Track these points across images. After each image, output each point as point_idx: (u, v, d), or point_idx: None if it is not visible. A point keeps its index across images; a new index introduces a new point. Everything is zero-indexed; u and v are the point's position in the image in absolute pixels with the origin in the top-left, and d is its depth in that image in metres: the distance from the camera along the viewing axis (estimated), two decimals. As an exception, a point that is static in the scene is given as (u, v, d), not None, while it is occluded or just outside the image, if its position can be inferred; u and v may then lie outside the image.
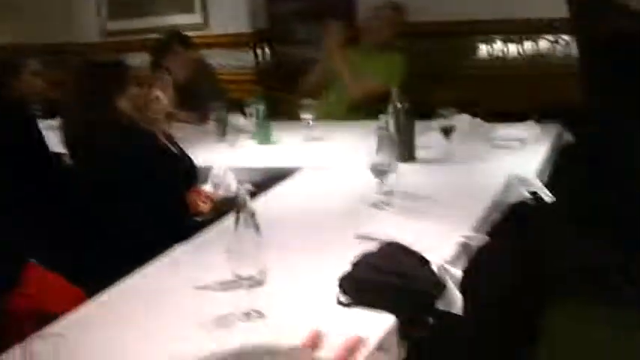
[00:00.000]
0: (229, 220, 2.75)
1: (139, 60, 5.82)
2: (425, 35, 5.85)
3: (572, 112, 4.31)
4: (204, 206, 3.31)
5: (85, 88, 3.42)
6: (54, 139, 3.81)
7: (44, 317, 2.54)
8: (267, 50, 6.66)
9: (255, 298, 2.19)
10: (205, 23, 6.74)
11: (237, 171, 3.55)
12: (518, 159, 3.55)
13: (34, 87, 4.41)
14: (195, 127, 4.74)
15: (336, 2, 6.23)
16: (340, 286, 2.19)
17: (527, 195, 3.23)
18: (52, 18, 7.57)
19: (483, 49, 5.98)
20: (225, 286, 2.33)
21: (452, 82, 5.71)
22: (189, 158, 3.42)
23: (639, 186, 4.06)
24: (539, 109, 4.23)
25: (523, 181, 3.24)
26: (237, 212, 2.48)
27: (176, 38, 5.52)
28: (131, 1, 7.21)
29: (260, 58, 6.63)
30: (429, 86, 5.26)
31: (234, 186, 3.37)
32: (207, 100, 4.88)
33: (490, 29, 5.91)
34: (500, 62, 5.95)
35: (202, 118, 4.80)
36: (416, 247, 2.32)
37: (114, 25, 7.34)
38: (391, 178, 3.02)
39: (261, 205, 3.04)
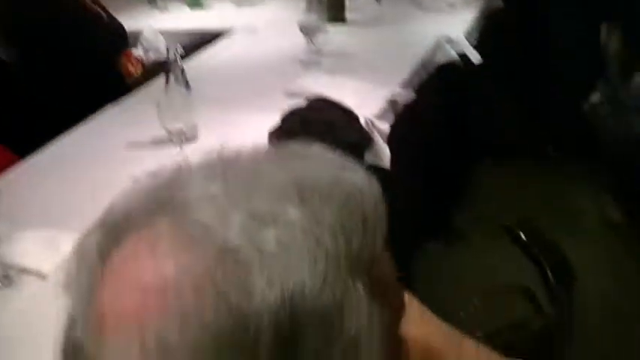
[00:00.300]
0: (160, 81, 2.78)
1: None
2: None
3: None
4: (135, 69, 3.30)
5: None
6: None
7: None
8: None
9: (187, 154, 2.23)
10: None
11: (168, 35, 3.52)
12: (447, 22, 3.57)
13: None
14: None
15: None
16: (270, 139, 2.23)
17: (456, 56, 3.28)
18: None
19: None
20: (157, 142, 2.37)
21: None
22: (118, 22, 3.38)
23: (564, 55, 4.11)
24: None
25: (451, 42, 3.28)
26: (169, 73, 2.51)
27: None
28: None
29: None
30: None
31: (163, 49, 3.36)
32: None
33: None
34: None
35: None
36: (344, 103, 2.38)
37: None
38: (320, 38, 3.05)
39: (192, 65, 3.06)
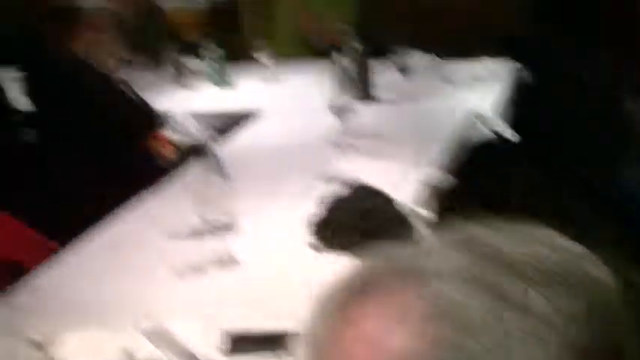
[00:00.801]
0: (193, 165, 2.78)
1: (88, 3, 5.72)
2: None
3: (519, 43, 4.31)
4: (166, 151, 3.30)
5: (39, 32, 3.37)
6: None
7: (12, 267, 2.56)
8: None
9: (226, 244, 2.22)
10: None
11: (197, 115, 3.54)
12: (476, 95, 3.58)
13: None
14: (149, 71, 4.68)
15: None
16: (310, 229, 2.23)
17: (490, 134, 3.26)
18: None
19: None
20: (196, 232, 2.36)
21: (404, 18, 5.67)
22: (148, 103, 3.38)
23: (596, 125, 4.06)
24: (494, 44, 4.23)
25: (482, 118, 3.27)
26: (202, 158, 2.51)
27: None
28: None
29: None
30: (381, 22, 5.21)
31: (195, 131, 3.37)
32: (160, 42, 4.83)
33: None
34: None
35: (157, 62, 4.74)
36: (379, 186, 2.36)
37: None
38: (350, 118, 3.05)
39: (225, 149, 3.06)
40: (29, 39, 3.38)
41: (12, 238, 2.73)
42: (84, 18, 3.37)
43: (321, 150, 3.00)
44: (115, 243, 2.42)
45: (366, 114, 3.29)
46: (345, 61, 3.47)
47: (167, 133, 3.42)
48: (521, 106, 3.51)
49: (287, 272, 2.09)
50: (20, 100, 3.43)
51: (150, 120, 3.31)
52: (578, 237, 0.66)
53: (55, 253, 2.41)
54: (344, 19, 4.52)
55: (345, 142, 3.00)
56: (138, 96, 3.36)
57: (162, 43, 4.75)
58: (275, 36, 4.89)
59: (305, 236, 2.22)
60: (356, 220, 2.16)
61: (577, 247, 0.67)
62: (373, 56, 3.64)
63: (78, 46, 3.26)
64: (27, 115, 3.49)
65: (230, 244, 2.23)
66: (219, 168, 2.33)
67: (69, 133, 3.18)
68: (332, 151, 2.96)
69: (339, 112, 3.03)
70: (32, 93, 3.30)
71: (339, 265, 1.86)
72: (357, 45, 3.53)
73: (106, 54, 3.36)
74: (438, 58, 4.10)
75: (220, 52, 4.22)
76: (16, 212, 2.82)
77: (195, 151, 2.93)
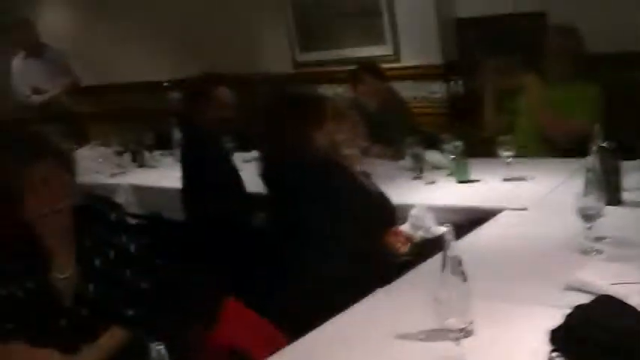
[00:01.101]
0: (431, 263, 2.72)
1: (330, 92, 5.89)
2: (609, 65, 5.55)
3: None
4: (403, 248, 3.26)
5: (281, 120, 3.42)
6: (250, 172, 3.88)
7: (239, 356, 2.58)
8: (459, 82, 6.54)
9: (463, 351, 2.13)
10: (396, 55, 6.70)
11: (436, 210, 3.48)
12: None
13: (225, 118, 4.46)
14: (388, 162, 4.70)
15: (524, 30, 6.07)
16: (552, 340, 2.10)
17: None
18: (243, 48, 7.77)
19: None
20: (430, 335, 2.28)
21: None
22: (387, 197, 3.37)
23: None
24: None
25: None
26: (443, 256, 2.43)
27: (367, 69, 5.51)
28: (322, 33, 7.29)
29: (451, 90, 6.52)
30: (629, 120, 4.99)
31: (434, 227, 3.31)
32: (401, 133, 4.86)
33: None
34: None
35: (396, 154, 4.76)
36: (632, 300, 2.20)
37: (305, 57, 7.44)
38: (599, 223, 2.89)
39: (463, 248, 2.97)
40: (269, 125, 3.45)
41: (242, 325, 2.76)
42: (326, 107, 3.41)
43: (564, 254, 2.84)
44: (340, 339, 2.39)
45: (614, 218, 3.10)
46: (593, 162, 3.32)
47: (404, 228, 3.38)
48: None
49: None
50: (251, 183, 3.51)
51: (389, 214, 3.28)
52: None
53: (282, 345, 2.41)
54: (589, 118, 4.37)
55: (591, 247, 2.84)
56: (378, 189, 3.35)
57: (403, 135, 4.77)
58: (517, 132, 4.80)
59: (545, 348, 2.09)
60: (604, 336, 2.01)
61: None
62: (622, 157, 3.46)
63: (319, 134, 3.29)
64: (259, 199, 3.56)
65: (463, 349, 2.13)
66: (456, 267, 2.24)
67: (302, 221, 3.20)
68: (576, 257, 2.80)
69: (586, 215, 2.88)
70: (268, 178, 3.36)
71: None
72: (605, 145, 3.37)
73: (347, 144, 3.38)
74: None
75: (460, 145, 4.17)
76: (248, 299, 2.87)
77: (431, 248, 2.87)
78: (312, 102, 3.51)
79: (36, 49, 7.39)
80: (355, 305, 2.60)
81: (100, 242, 2.45)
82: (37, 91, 7.29)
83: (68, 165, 2.41)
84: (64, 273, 2.45)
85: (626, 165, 3.49)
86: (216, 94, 4.48)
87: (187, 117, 4.50)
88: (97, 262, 2.43)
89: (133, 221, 4.17)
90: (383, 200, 3.27)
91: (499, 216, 3.47)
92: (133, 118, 8.07)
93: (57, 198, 2.37)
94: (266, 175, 3.42)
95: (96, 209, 2.57)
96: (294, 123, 3.32)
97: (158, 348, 1.95)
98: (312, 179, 3.19)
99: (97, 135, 7.08)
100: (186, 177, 4.29)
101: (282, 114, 3.45)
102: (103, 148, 6.36)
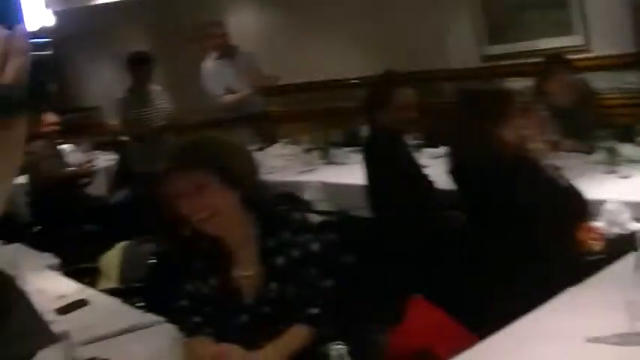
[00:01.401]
0: (624, 262, 2.60)
1: (518, 85, 5.76)
2: None
3: None
4: (596, 244, 3.14)
5: (467, 117, 3.40)
6: (438, 168, 3.86)
7: (426, 355, 2.56)
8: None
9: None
10: (586, 45, 6.46)
11: (632, 206, 3.34)
12: None
13: (407, 118, 4.43)
14: (580, 156, 4.55)
15: None
16: None
17: None
18: (425, 45, 7.73)
19: None
20: (622, 339, 2.18)
21: None
22: (579, 192, 3.26)
23: None
24: None
25: None
26: (637, 255, 2.33)
27: (556, 61, 5.35)
28: (508, 25, 7.14)
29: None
30: None
31: (630, 224, 3.18)
32: (593, 127, 4.69)
33: None
34: None
35: (588, 147, 4.60)
36: None
37: (490, 50, 7.31)
38: None
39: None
40: (454, 122, 3.43)
41: (428, 323, 2.74)
42: (512, 102, 3.35)
43: None
44: (528, 339, 2.32)
45: None
46: None
47: (597, 223, 3.26)
48: None
49: None
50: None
51: (581, 210, 3.17)
52: None
53: (470, 344, 2.37)
54: None
55: None
56: (569, 184, 3.24)
57: (595, 128, 4.61)
58: None
59: None
60: None
61: None
62: None
63: (505, 130, 3.23)
64: (450, 196, 3.53)
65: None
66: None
67: (491, 219, 3.16)
68: None
69: None
70: (456, 175, 3.34)
71: None
72: None
73: (534, 139, 3.30)
74: None
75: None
76: (436, 298, 2.84)
77: (626, 244, 2.76)
78: (497, 97, 3.47)
79: (228, 50, 7.60)
80: (544, 305, 2.52)
81: (284, 242, 2.49)
82: (229, 91, 7.49)
83: (224, 175, 2.46)
84: (246, 271, 2.51)
85: None
86: (398, 95, 4.46)
87: (371, 117, 4.51)
88: (280, 261, 2.48)
89: (319, 218, 4.25)
90: (573, 194, 3.15)
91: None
92: (322, 115, 8.21)
93: (211, 205, 2.44)
94: (454, 173, 3.40)
95: (279, 210, 2.64)
96: (479, 119, 3.30)
97: (339, 348, 1.97)
98: (500, 176, 3.15)
99: (287, 133, 7.23)
100: (370, 175, 4.31)
101: (466, 111, 3.43)
102: (292, 146, 6.49)
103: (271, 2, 9.27)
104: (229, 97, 7.46)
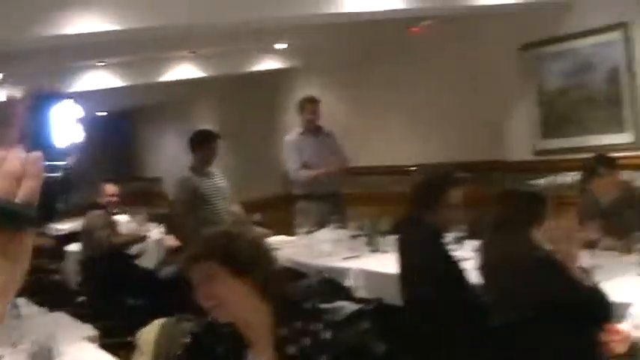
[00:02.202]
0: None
1: (567, 179, 5.81)
2: None
3: None
4: (620, 347, 3.14)
5: (502, 214, 3.49)
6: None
7: None
8: None
9: None
10: (637, 143, 6.49)
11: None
12: None
13: (452, 219, 4.44)
14: (618, 256, 4.55)
15: None
16: None
17: None
18: (483, 136, 7.83)
19: None
20: None
21: None
22: (603, 294, 3.26)
23: None
24: None
25: None
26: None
27: (602, 160, 5.37)
28: (564, 119, 7.21)
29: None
30: None
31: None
32: (635, 227, 4.69)
33: None
34: None
35: (626, 247, 4.60)
36: None
37: (545, 144, 7.37)
38: None
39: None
40: (490, 219, 3.51)
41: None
42: (548, 204, 3.43)
43: None
44: None
45: None
46: None
47: (622, 326, 3.26)
48: None
49: None
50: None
51: (605, 312, 3.18)
52: None
53: None
54: None
55: None
56: (594, 286, 3.25)
57: (636, 228, 4.62)
58: None
59: None
60: None
61: None
62: None
63: (538, 231, 3.30)
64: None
65: None
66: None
67: (512, 318, 3.21)
68: None
69: None
70: (484, 272, 3.40)
71: None
72: None
73: (568, 239, 3.34)
74: None
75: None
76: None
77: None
78: (531, 198, 3.55)
79: (314, 128, 7.75)
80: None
81: (295, 331, 2.57)
82: (307, 166, 7.59)
83: (233, 265, 2.58)
84: (261, 357, 2.59)
85: None
86: (447, 198, 4.41)
87: (416, 210, 4.52)
88: (292, 350, 2.56)
89: (354, 306, 4.30)
90: (597, 296, 3.19)
91: None
92: (374, 200, 8.30)
93: (219, 294, 2.55)
94: (483, 269, 3.47)
95: (292, 301, 2.74)
96: (513, 220, 3.40)
97: None
98: (525, 278, 3.22)
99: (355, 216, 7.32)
100: (403, 267, 4.34)
101: (502, 211, 3.52)
102: (340, 231, 6.57)
103: (338, 84, 9.49)
104: (304, 172, 7.57)
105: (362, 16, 6.17)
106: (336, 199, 7.62)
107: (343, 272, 5.31)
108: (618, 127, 6.64)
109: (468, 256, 4.52)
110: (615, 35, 6.68)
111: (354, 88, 9.38)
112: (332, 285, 4.80)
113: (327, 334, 2.59)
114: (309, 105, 7.77)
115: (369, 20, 6.66)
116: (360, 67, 9.23)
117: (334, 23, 6.93)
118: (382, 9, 5.97)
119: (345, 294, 4.79)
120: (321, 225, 6.93)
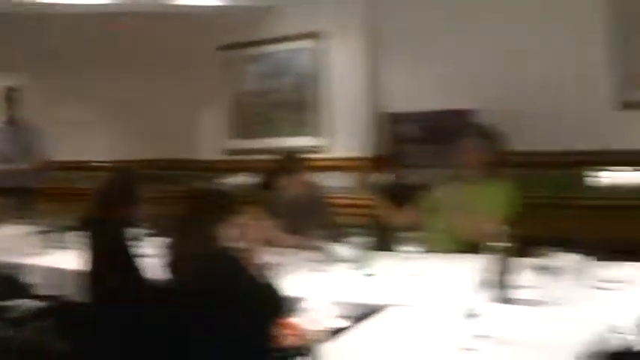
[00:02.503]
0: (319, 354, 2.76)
1: (257, 179, 5.97)
2: (527, 165, 5.76)
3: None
4: (295, 340, 3.27)
5: (188, 212, 3.53)
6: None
7: None
8: (388, 175, 6.64)
9: None
10: (328, 146, 6.81)
11: (337, 304, 3.52)
12: (619, 303, 3.40)
13: (144, 212, 4.48)
14: (297, 252, 4.76)
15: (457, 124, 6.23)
16: None
17: (631, 344, 3.04)
18: (176, 134, 7.87)
19: (591, 180, 5.87)
20: None
21: (555, 216, 5.57)
22: (278, 289, 3.37)
23: None
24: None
25: (619, 330, 3.06)
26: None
27: (290, 160, 5.57)
28: (256, 121, 7.42)
29: (378, 183, 6.60)
30: (532, 220, 5.04)
31: (326, 320, 3.35)
32: (313, 225, 4.92)
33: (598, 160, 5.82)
34: (609, 193, 5.82)
35: (305, 245, 4.82)
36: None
37: (235, 144, 7.54)
38: (483, 321, 2.95)
39: (346, 344, 3.03)
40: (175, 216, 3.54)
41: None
42: (231, 201, 3.52)
43: (446, 352, 2.87)
44: None
45: (501, 317, 3.18)
46: (490, 261, 3.41)
47: (298, 320, 3.40)
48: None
49: None
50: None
51: (278, 306, 3.31)
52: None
53: None
54: (501, 216, 4.48)
55: (475, 346, 2.88)
56: (270, 281, 3.36)
57: (316, 226, 4.85)
58: (430, 230, 4.89)
59: None
60: None
61: None
62: (519, 255, 3.54)
63: (222, 228, 3.37)
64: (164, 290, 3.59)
65: None
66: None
67: (196, 313, 3.26)
68: (457, 355, 2.83)
69: (471, 314, 2.94)
70: (170, 268, 3.43)
71: None
72: (507, 244, 3.45)
73: (251, 236, 3.45)
74: (585, 258, 3.84)
75: (366, 238, 4.26)
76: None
77: (323, 340, 2.95)
78: (221, 198, 3.63)
79: (11, 120, 7.56)
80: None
81: None
82: (5, 159, 7.42)
83: None
84: None
85: (523, 264, 3.57)
86: (135, 194, 4.47)
87: (102, 209, 4.48)
88: None
89: (35, 304, 4.19)
90: (273, 292, 3.31)
91: (386, 312, 3.49)
92: (63, 197, 8.09)
93: None
94: (170, 266, 3.49)
95: None
96: (199, 218, 3.43)
97: None
98: (207, 273, 3.27)
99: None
100: (90, 263, 4.28)
101: (189, 208, 3.56)
102: (27, 227, 6.31)
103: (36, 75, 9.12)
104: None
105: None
106: (25, 194, 7.37)
107: (24, 269, 5.10)
108: (304, 130, 6.96)
109: (154, 253, 4.54)
110: (306, 43, 6.99)
111: (48, 79, 9.06)
112: (11, 282, 4.63)
113: (9, 332, 2.49)
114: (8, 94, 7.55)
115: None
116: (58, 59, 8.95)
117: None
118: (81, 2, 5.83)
119: (26, 292, 4.64)
120: (5, 220, 6.66)
